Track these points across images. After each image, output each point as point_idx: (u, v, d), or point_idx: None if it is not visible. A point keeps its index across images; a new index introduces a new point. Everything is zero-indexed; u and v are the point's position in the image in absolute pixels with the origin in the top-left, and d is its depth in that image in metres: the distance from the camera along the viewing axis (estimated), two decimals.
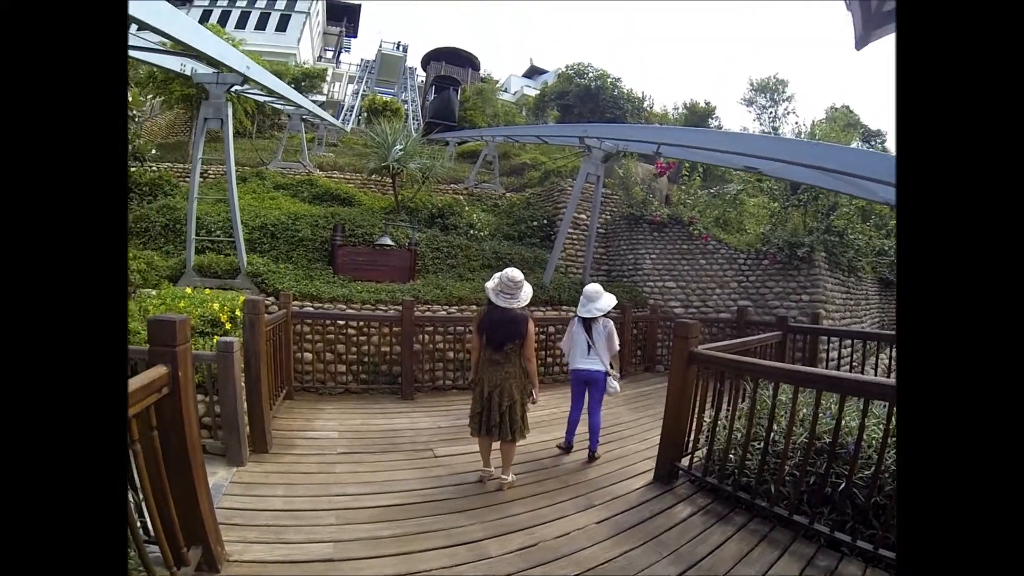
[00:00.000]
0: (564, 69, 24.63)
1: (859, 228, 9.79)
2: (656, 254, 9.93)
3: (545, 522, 3.10)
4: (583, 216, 10.54)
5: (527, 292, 3.60)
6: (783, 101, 23.54)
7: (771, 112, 23.62)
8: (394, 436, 4.58)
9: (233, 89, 6.77)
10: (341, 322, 6.07)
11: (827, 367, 6.34)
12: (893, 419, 2.55)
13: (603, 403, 4.39)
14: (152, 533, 1.97)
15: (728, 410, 3.70)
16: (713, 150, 6.61)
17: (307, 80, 21.38)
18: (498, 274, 3.60)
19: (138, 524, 1.86)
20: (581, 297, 4.41)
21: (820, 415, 2.93)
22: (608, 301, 4.30)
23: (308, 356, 5.96)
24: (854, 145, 14.07)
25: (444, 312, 7.27)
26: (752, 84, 24.06)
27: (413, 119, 24.64)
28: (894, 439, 2.54)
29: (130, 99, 8.25)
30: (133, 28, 4.61)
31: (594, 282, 4.70)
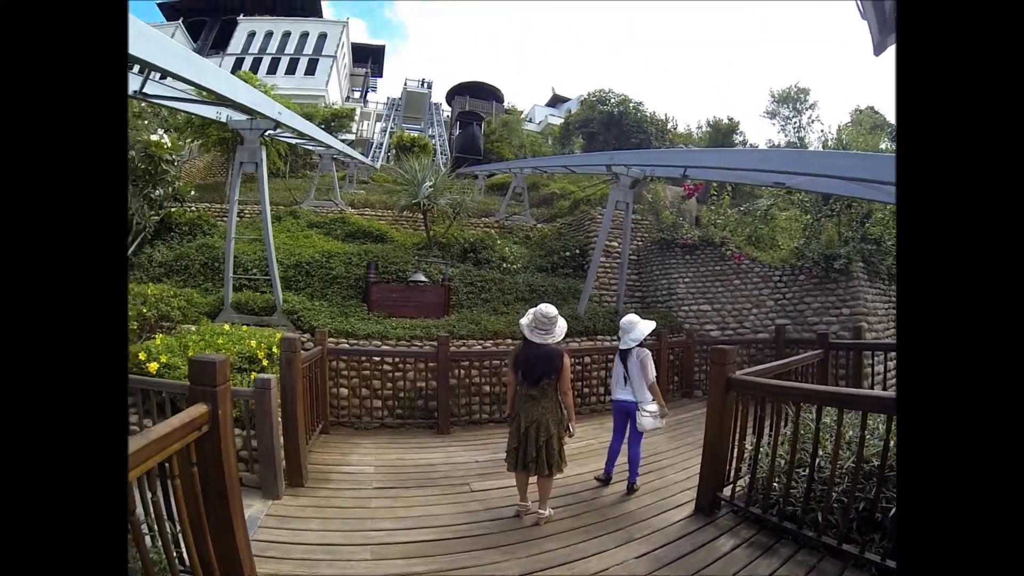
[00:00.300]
0: (586, 96, 25.02)
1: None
2: (689, 277, 9.78)
3: (583, 557, 3.02)
4: (615, 244, 10.48)
5: (562, 327, 3.62)
6: (806, 110, 23.22)
7: (795, 122, 23.31)
8: (430, 471, 4.57)
9: (266, 134, 7.11)
10: (377, 358, 6.15)
11: (872, 383, 6.05)
12: None
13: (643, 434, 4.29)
14: (188, 564, 2.01)
15: (770, 436, 3.56)
16: (739, 169, 6.56)
17: (336, 120, 22.25)
18: (532, 310, 3.63)
19: (175, 555, 1.91)
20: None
21: (867, 436, 2.79)
22: (642, 330, 4.26)
23: (344, 391, 6.05)
24: (882, 147, 13.67)
25: (479, 347, 7.30)
26: (773, 95, 23.83)
27: (441, 153, 25.32)
28: None
29: (169, 143, 8.67)
30: (172, 81, 4.94)
31: (631, 311, 4.67)
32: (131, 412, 4.21)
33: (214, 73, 5.29)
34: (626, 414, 4.25)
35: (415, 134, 26.36)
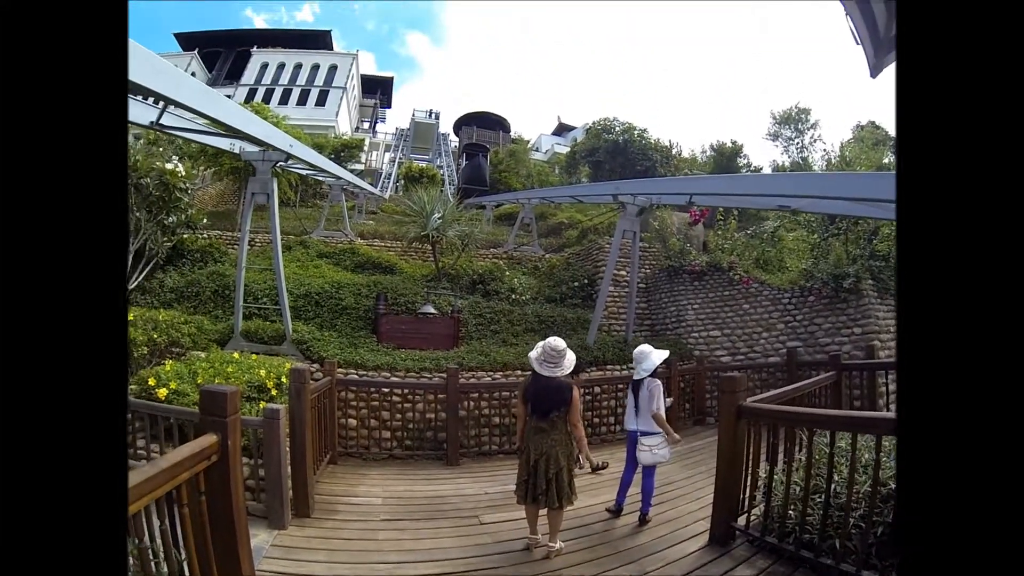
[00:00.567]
0: (591, 125, 25.44)
1: None
2: (698, 304, 9.75)
3: None
4: (623, 272, 10.51)
5: (570, 360, 3.63)
6: (808, 130, 23.45)
7: (798, 143, 23.52)
8: (439, 502, 4.51)
9: (278, 165, 7.30)
10: (386, 389, 6.14)
11: (888, 403, 5.93)
12: None
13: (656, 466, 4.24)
14: None
15: (784, 462, 3.50)
16: (744, 195, 6.61)
17: (346, 150, 22.74)
18: (541, 343, 3.65)
19: None
20: None
21: (883, 458, 2.74)
22: (654, 360, 4.26)
23: (352, 422, 6.02)
24: (885, 161, 13.70)
25: (489, 378, 7.28)
26: (775, 117, 24.14)
27: (449, 184, 25.71)
28: None
29: (183, 172, 8.87)
30: (188, 113, 5.11)
31: (641, 340, 4.68)
32: (139, 437, 4.24)
33: (229, 107, 5.49)
34: (637, 445, 4.22)
35: (423, 164, 26.87)
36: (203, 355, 6.20)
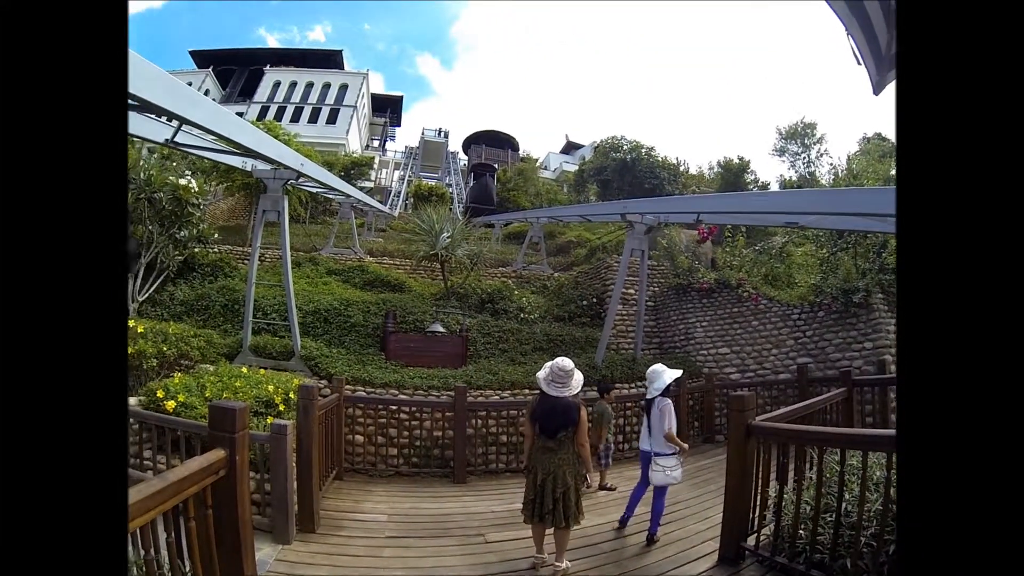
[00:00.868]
0: (599, 143, 25.63)
1: None
2: (707, 321, 9.71)
3: None
4: (631, 291, 10.48)
5: (578, 380, 3.64)
6: (814, 144, 23.46)
7: (804, 158, 23.51)
8: (445, 520, 4.48)
9: (289, 183, 7.43)
10: (393, 407, 6.14)
11: None
12: None
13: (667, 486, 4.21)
14: None
15: (795, 481, 3.45)
16: (751, 212, 6.62)
17: (356, 168, 22.98)
18: (549, 363, 3.67)
19: None
20: None
21: (895, 476, 2.70)
22: (665, 380, 4.26)
23: (359, 439, 6.02)
24: (893, 173, 13.68)
25: (497, 396, 7.26)
26: (781, 133, 24.17)
27: (458, 202, 25.90)
28: None
29: (196, 187, 9.04)
30: (199, 132, 5.22)
31: (648, 358, 4.69)
32: (146, 448, 4.27)
33: (241, 127, 5.61)
34: (649, 464, 4.20)
35: (433, 183, 27.13)
36: (212, 369, 6.23)
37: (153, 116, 4.74)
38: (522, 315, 10.23)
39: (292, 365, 7.17)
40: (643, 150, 22.93)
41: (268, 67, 35.51)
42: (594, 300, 11.35)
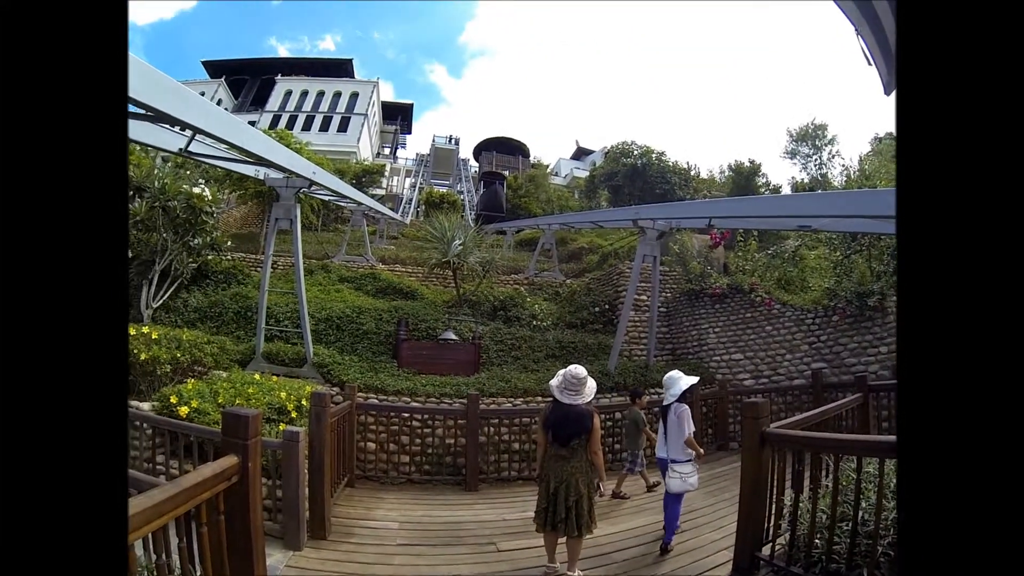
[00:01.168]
0: (610, 149, 25.61)
1: None
2: (720, 327, 9.62)
3: None
4: (643, 297, 10.39)
5: (591, 388, 3.63)
6: (825, 146, 23.25)
7: (816, 159, 23.30)
8: (456, 528, 4.47)
9: (301, 191, 7.52)
10: (406, 414, 6.15)
11: None
12: None
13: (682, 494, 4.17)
14: None
15: (810, 489, 3.39)
16: (764, 216, 6.57)
17: (367, 176, 23.16)
18: (562, 371, 3.66)
19: None
20: None
21: None
22: (681, 386, 4.25)
23: (371, 446, 6.03)
24: None
25: (509, 404, 7.25)
26: (791, 135, 23.99)
27: (469, 209, 26.00)
28: None
29: (209, 196, 9.14)
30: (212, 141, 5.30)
31: (661, 364, 4.69)
32: (159, 452, 4.31)
33: (254, 136, 5.70)
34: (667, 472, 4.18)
35: (444, 190, 27.26)
36: (225, 375, 6.29)
37: (167, 126, 4.83)
38: (534, 322, 10.22)
39: (304, 372, 7.22)
40: (654, 155, 22.92)
41: (279, 76, 35.90)
42: (606, 306, 11.30)
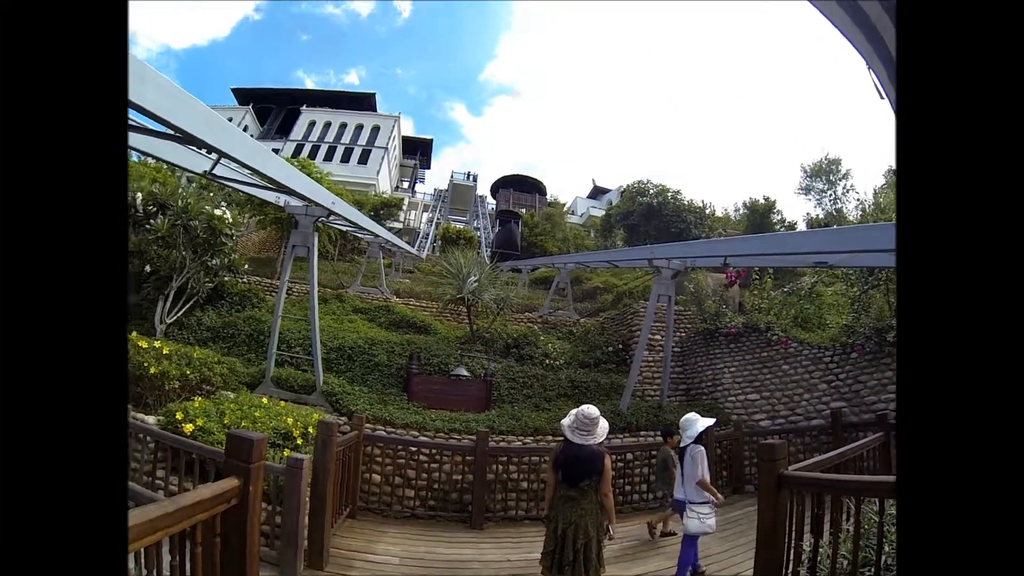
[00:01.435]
0: (626, 188, 25.85)
1: None
2: (735, 366, 9.45)
3: None
4: (658, 337, 10.29)
5: (603, 428, 3.57)
6: (840, 180, 23.20)
7: (830, 195, 23.23)
8: (459, 567, 4.35)
9: (319, 220, 7.65)
10: (413, 448, 6.07)
11: None
12: None
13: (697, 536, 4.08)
14: None
15: (830, 533, 3.23)
16: (779, 254, 6.52)
17: (385, 208, 23.37)
18: (574, 411, 3.62)
19: None
20: None
21: None
22: (697, 428, 4.25)
23: (376, 478, 5.92)
24: None
25: (519, 442, 7.15)
26: (806, 171, 24.04)
27: (486, 245, 26.24)
28: None
29: (230, 218, 9.35)
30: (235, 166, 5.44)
31: (678, 406, 4.69)
32: (159, 467, 4.28)
33: (277, 164, 5.85)
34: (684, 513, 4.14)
35: (461, 226, 27.57)
36: (232, 396, 6.28)
37: (194, 148, 4.98)
38: (547, 361, 10.15)
39: (313, 400, 7.19)
40: (669, 194, 23.08)
41: (304, 107, 37.06)
42: (620, 346, 11.22)
